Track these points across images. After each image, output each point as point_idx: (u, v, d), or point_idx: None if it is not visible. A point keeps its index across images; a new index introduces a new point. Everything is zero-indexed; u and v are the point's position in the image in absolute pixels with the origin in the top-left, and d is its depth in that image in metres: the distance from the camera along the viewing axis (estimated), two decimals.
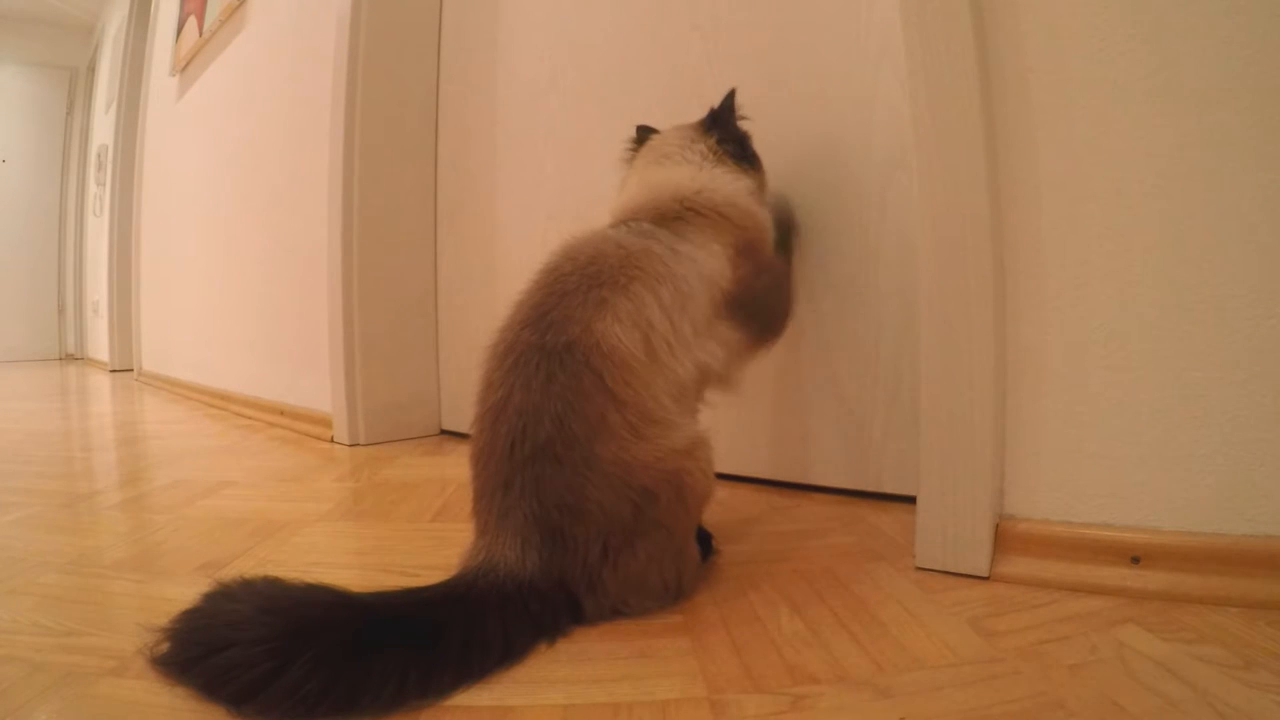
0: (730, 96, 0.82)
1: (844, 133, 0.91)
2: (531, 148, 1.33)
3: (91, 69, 4.53)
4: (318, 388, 1.58)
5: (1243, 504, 0.59)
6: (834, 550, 0.75)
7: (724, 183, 0.74)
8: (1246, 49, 0.58)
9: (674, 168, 0.76)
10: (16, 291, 4.55)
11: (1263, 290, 0.58)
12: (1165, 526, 0.61)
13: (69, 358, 4.69)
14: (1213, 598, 0.57)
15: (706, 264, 0.67)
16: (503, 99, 1.39)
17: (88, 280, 4.34)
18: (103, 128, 3.90)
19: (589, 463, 0.55)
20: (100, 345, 3.84)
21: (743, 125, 0.83)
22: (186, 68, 2.49)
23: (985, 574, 0.65)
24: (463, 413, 1.46)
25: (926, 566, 0.68)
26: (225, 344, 2.18)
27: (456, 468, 1.20)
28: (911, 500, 0.72)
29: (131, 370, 3.26)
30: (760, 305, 0.71)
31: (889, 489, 0.91)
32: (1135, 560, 0.61)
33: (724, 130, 0.80)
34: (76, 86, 4.66)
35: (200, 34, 2.29)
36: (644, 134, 0.86)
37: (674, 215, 0.70)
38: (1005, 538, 0.66)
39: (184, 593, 0.58)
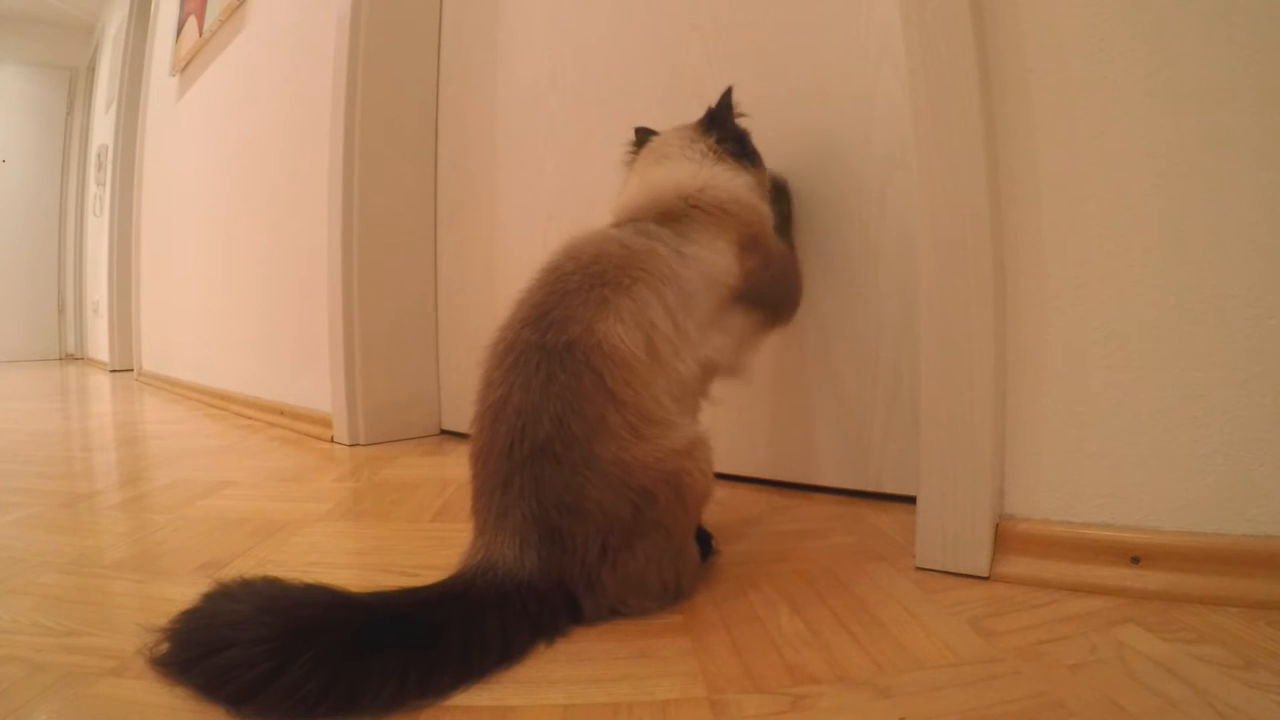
0: (727, 95, 0.82)
1: (844, 132, 0.91)
2: (531, 148, 1.33)
3: (91, 69, 4.53)
4: (318, 388, 1.58)
5: (1243, 504, 0.59)
6: (834, 550, 0.75)
7: (725, 179, 0.74)
8: (1246, 49, 0.58)
9: (675, 166, 0.76)
10: (16, 291, 4.55)
11: (1263, 290, 0.58)
12: (1165, 526, 0.61)
13: (69, 358, 4.69)
14: (1213, 598, 0.57)
15: (713, 263, 0.67)
16: (503, 99, 1.39)
17: (88, 280, 4.34)
18: (103, 128, 3.90)
19: (588, 462, 0.55)
20: (100, 345, 3.84)
21: (741, 123, 0.83)
22: (186, 68, 2.49)
23: (985, 574, 0.65)
24: (463, 412, 1.46)
25: (926, 566, 0.68)
26: (225, 344, 2.18)
27: (456, 468, 1.20)
28: (911, 500, 0.72)
29: (131, 370, 3.26)
30: (772, 293, 0.73)
31: (889, 489, 0.91)
32: (1135, 560, 0.61)
33: (722, 129, 0.80)
34: (76, 86, 4.66)
35: (200, 34, 2.29)
36: (643, 136, 0.86)
37: (678, 213, 0.70)
38: (1005, 538, 0.66)
39: (184, 593, 0.58)
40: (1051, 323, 0.66)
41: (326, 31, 1.48)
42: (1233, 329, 0.59)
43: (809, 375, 0.97)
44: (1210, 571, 0.58)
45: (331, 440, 1.46)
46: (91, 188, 4.12)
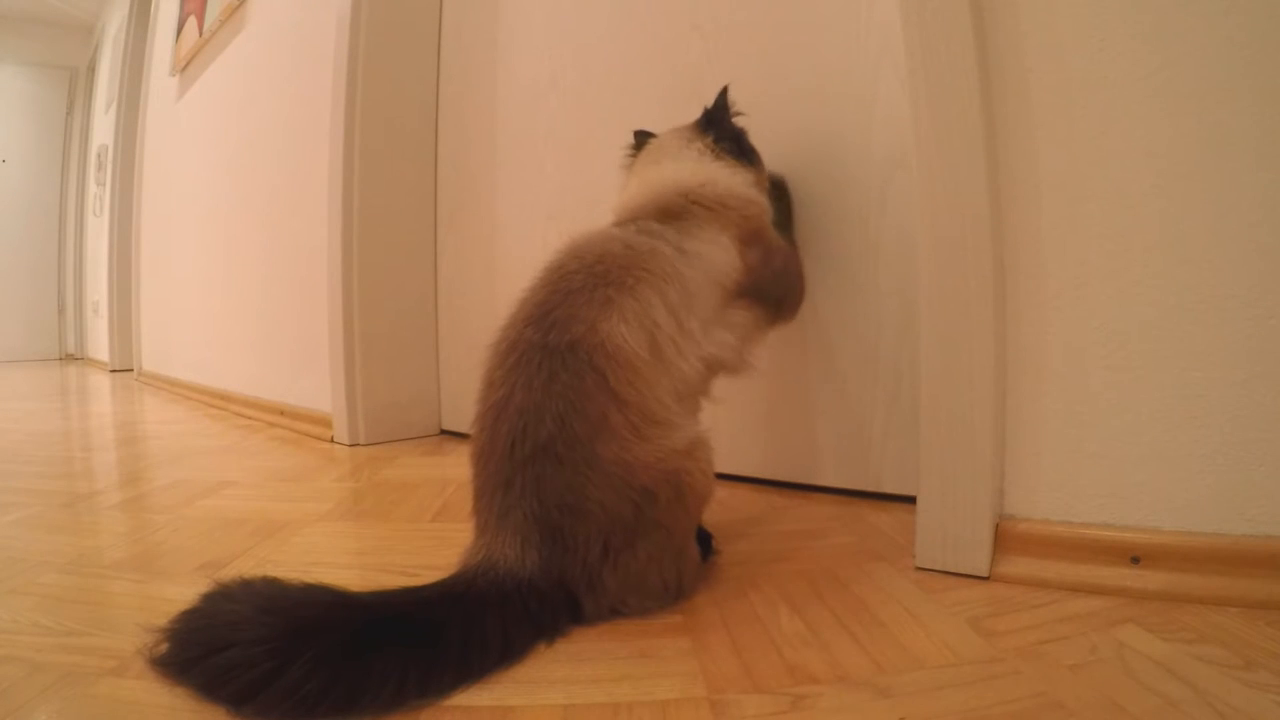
0: (723, 94, 0.82)
1: (844, 132, 0.91)
2: (531, 148, 1.33)
3: (91, 69, 4.53)
4: (318, 388, 1.58)
5: (1243, 504, 0.59)
6: (834, 550, 0.75)
7: (724, 176, 0.74)
8: (1246, 49, 0.58)
9: (674, 165, 0.77)
10: (16, 291, 4.55)
11: (1263, 290, 0.58)
12: (1165, 526, 0.61)
13: (69, 358, 4.69)
14: (1213, 598, 0.57)
15: (716, 259, 0.67)
16: (503, 99, 1.39)
17: (88, 280, 4.34)
18: (103, 128, 3.90)
19: (590, 462, 0.55)
20: (100, 345, 3.84)
21: (740, 122, 0.83)
22: (186, 68, 2.49)
23: (985, 574, 0.65)
24: (463, 412, 1.46)
25: (926, 566, 0.68)
26: (225, 344, 2.18)
27: (457, 468, 1.20)
28: (911, 500, 0.72)
29: (131, 370, 3.26)
30: (773, 288, 0.73)
31: (889, 489, 0.91)
32: (1135, 560, 0.61)
33: (719, 129, 0.80)
34: (76, 86, 4.66)
35: (200, 34, 2.29)
36: (642, 139, 0.87)
37: (678, 210, 0.71)
38: (1005, 538, 0.66)
39: (184, 593, 0.58)
40: (1051, 323, 0.66)
41: (326, 31, 1.48)
42: (1233, 329, 0.59)
43: (809, 375, 0.97)
44: (1210, 571, 0.58)
45: (331, 440, 1.46)
46: (91, 188, 4.12)
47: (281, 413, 1.74)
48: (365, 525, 0.89)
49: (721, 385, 0.72)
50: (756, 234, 0.72)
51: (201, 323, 2.37)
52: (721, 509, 0.89)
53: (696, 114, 0.83)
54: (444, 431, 1.53)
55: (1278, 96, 0.57)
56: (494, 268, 1.42)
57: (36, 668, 0.52)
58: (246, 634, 0.45)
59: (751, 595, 0.63)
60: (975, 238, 0.65)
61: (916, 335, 0.79)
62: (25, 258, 4.58)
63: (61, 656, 0.54)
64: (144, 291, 3.05)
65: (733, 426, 1.02)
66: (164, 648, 0.48)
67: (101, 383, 3.07)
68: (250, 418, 1.86)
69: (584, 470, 0.55)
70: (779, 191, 0.88)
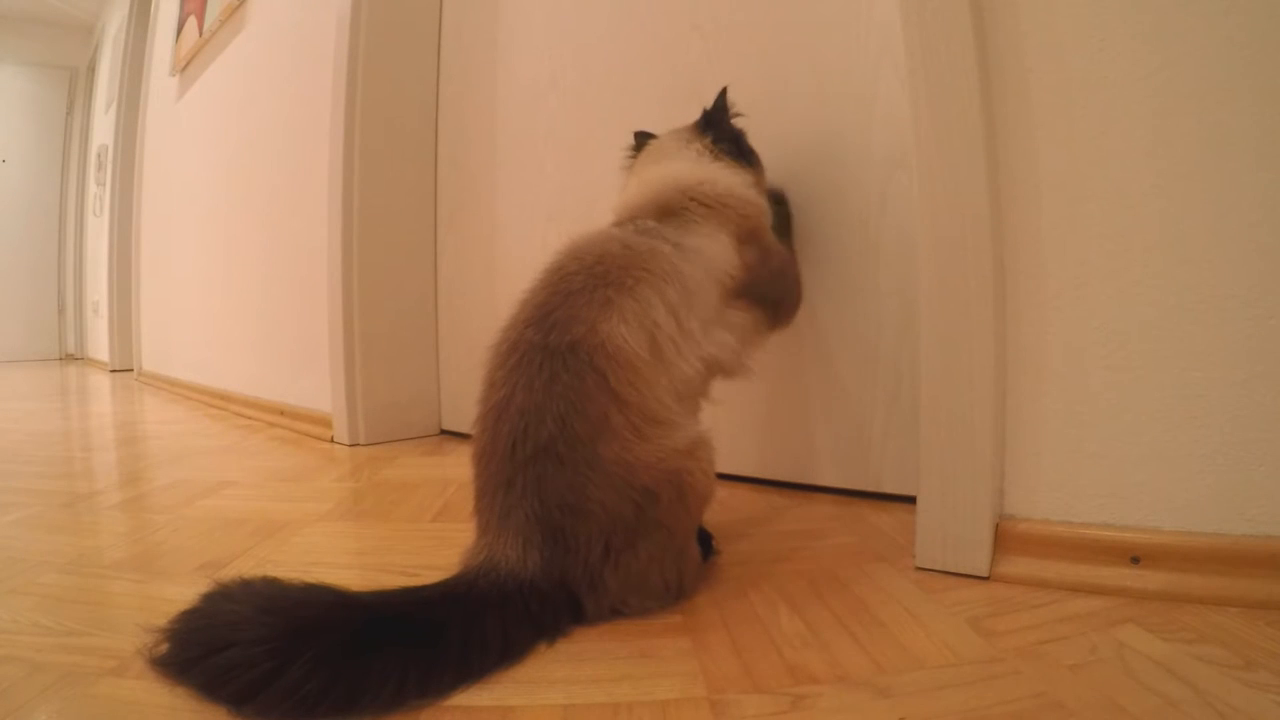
0: (722, 95, 0.82)
1: (844, 132, 0.91)
2: (531, 148, 1.33)
3: (91, 69, 4.53)
4: (318, 388, 1.58)
5: (1243, 504, 0.59)
6: (834, 550, 0.75)
7: (723, 176, 0.75)
8: (1246, 49, 0.58)
9: (673, 164, 0.77)
10: (16, 291, 4.55)
11: (1263, 290, 0.58)
12: (1165, 526, 0.61)
13: (69, 358, 4.69)
14: (1213, 598, 0.57)
15: (714, 256, 0.67)
16: (503, 99, 1.39)
17: (88, 280, 4.34)
18: (103, 128, 3.90)
19: (591, 463, 0.55)
20: (100, 345, 3.84)
21: (738, 122, 0.83)
22: (186, 68, 2.49)
23: (985, 574, 0.65)
24: (463, 412, 1.46)
25: (926, 566, 0.68)
26: (225, 344, 2.18)
27: (457, 468, 1.20)
28: (911, 500, 0.72)
29: (131, 370, 3.26)
30: (770, 290, 0.73)
31: (889, 489, 0.91)
32: (1135, 560, 0.61)
33: (718, 130, 0.81)
34: (76, 86, 4.66)
35: (200, 34, 2.29)
36: (642, 139, 0.87)
37: (677, 208, 0.71)
38: (1005, 538, 0.66)
39: (184, 593, 0.58)
40: (1051, 323, 0.66)
41: (326, 31, 1.48)
42: (1233, 329, 0.59)
43: (809, 375, 0.97)
44: (1210, 571, 0.58)
45: (331, 440, 1.46)
46: (91, 188, 4.12)
47: (281, 413, 1.74)
48: (365, 525, 0.89)
49: (721, 386, 0.72)
50: (754, 233, 0.72)
51: (201, 323, 2.37)
52: (722, 509, 0.89)
53: (696, 114, 0.83)
54: (444, 431, 1.53)
55: (1278, 96, 0.57)
56: (494, 268, 1.42)
57: (36, 668, 0.52)
58: (246, 634, 0.45)
59: (751, 595, 0.63)
60: (975, 238, 0.65)
61: (916, 335, 0.79)
62: (25, 258, 4.58)
63: (61, 656, 0.54)
64: (144, 291, 3.05)
65: (733, 427, 1.02)
66: (164, 648, 0.48)
67: (101, 383, 3.07)
68: (250, 418, 1.86)
69: (585, 470, 0.55)
70: (778, 204, 0.88)
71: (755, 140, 0.84)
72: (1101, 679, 0.47)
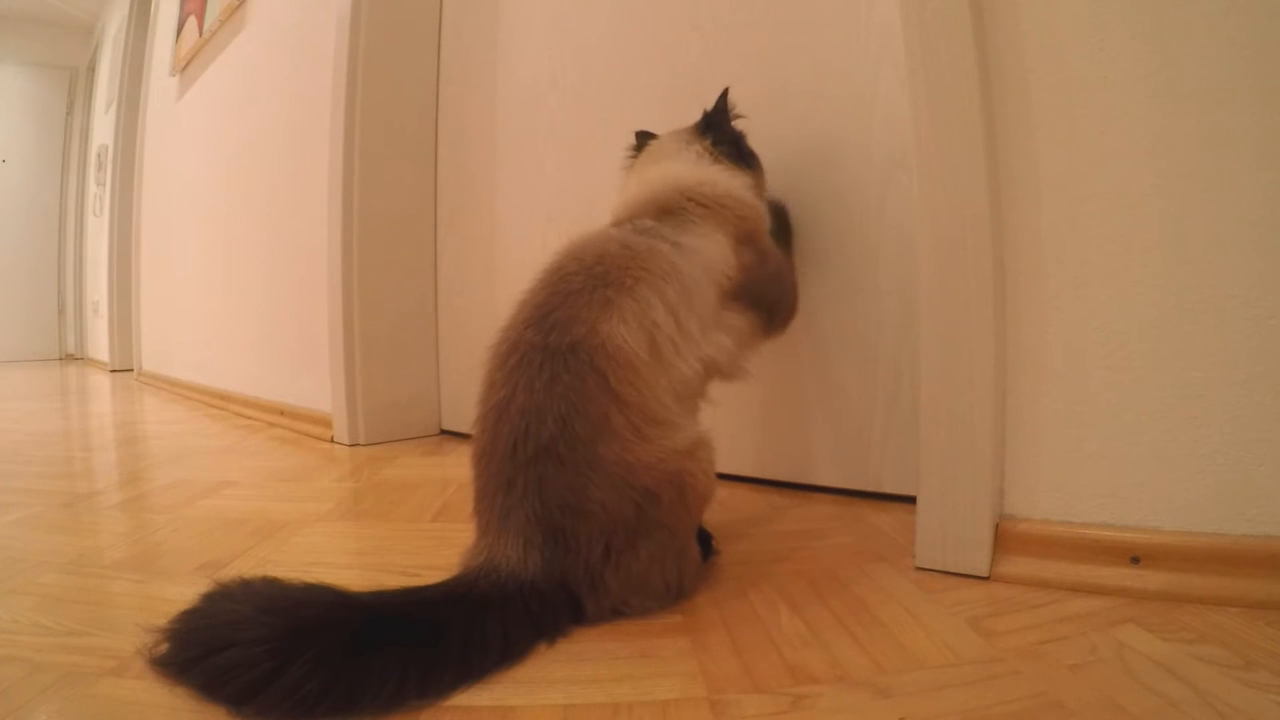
0: (723, 97, 0.82)
1: (844, 132, 0.91)
2: (531, 148, 1.33)
3: (91, 69, 4.53)
4: (318, 388, 1.58)
5: (1243, 504, 0.59)
6: (834, 550, 0.75)
7: (723, 178, 0.75)
8: (1246, 49, 0.58)
9: (672, 165, 0.78)
10: (16, 291, 4.55)
11: (1263, 290, 0.58)
12: (1165, 526, 0.61)
13: (69, 358, 4.69)
14: (1213, 598, 0.57)
15: (712, 255, 0.68)
16: (503, 99, 1.39)
17: (88, 280, 4.34)
18: (103, 128, 3.90)
19: (592, 463, 0.55)
20: (100, 345, 3.84)
21: (739, 124, 0.83)
22: (186, 68, 2.49)
23: (985, 574, 0.65)
24: (463, 413, 1.46)
25: (926, 566, 0.68)
26: (225, 344, 2.18)
27: (457, 468, 1.20)
28: (911, 500, 0.72)
29: (131, 370, 3.26)
30: (767, 293, 0.73)
31: (889, 489, 0.91)
32: (1135, 560, 0.61)
33: (718, 132, 0.81)
34: (76, 86, 4.66)
35: (200, 34, 2.29)
36: (643, 140, 0.87)
37: (675, 207, 0.71)
38: (1005, 538, 0.66)
39: (184, 593, 0.58)
40: (1051, 323, 0.66)
41: (326, 31, 1.48)
42: (1233, 329, 0.59)
43: (809, 375, 0.97)
44: (1210, 571, 0.58)
45: (331, 440, 1.46)
46: (91, 188, 4.12)
47: (281, 413, 1.74)
48: (365, 525, 0.89)
49: (720, 387, 0.72)
50: (751, 236, 0.72)
51: (201, 323, 2.37)
52: (721, 509, 0.89)
53: (696, 114, 0.84)
54: (444, 431, 1.53)
55: (1278, 96, 0.57)
56: (494, 268, 1.42)
57: (36, 668, 0.52)
58: (246, 634, 0.45)
59: (751, 595, 0.63)
60: (975, 238, 0.65)
61: (916, 335, 0.79)
62: (25, 258, 4.58)
63: (61, 656, 0.54)
64: (144, 291, 3.05)
65: (732, 427, 1.02)
66: (164, 648, 0.48)
67: (101, 383, 3.07)
68: (250, 418, 1.86)
69: (586, 471, 0.55)
70: (779, 217, 0.88)
71: (755, 140, 0.84)
72: (1101, 679, 0.47)
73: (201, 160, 2.37)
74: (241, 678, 0.43)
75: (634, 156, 0.86)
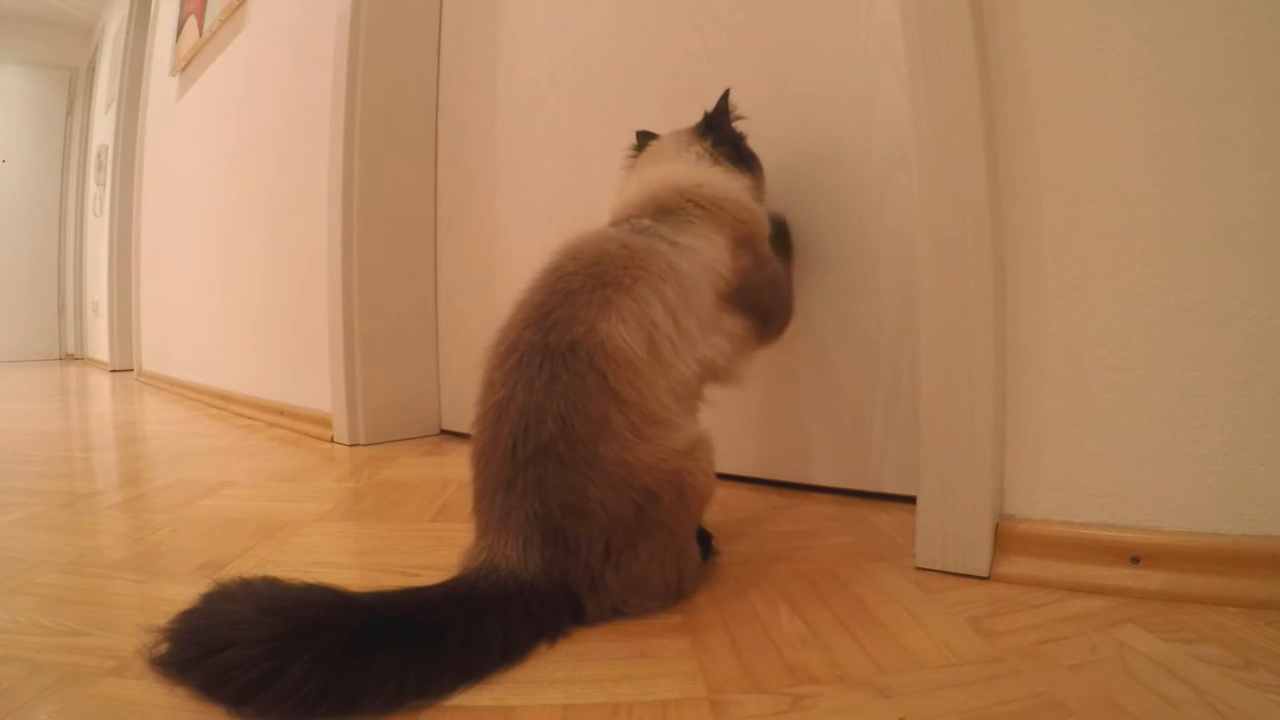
0: (724, 98, 0.82)
1: (844, 132, 0.91)
2: (531, 148, 1.33)
3: (91, 69, 4.53)
4: (318, 388, 1.58)
5: (1243, 504, 0.59)
6: (834, 550, 0.75)
7: (722, 180, 0.75)
8: (1246, 49, 0.58)
9: (672, 165, 0.78)
10: (16, 291, 4.55)
11: (1263, 290, 0.58)
12: (1165, 526, 0.61)
13: (69, 358, 4.69)
14: (1213, 598, 0.57)
15: (709, 255, 0.68)
16: (503, 99, 1.39)
17: (88, 280, 4.35)
18: (103, 128, 3.90)
19: (591, 463, 0.55)
20: (100, 345, 3.84)
21: (740, 125, 0.83)
22: (186, 68, 2.49)
23: (985, 574, 0.65)
24: (463, 413, 1.46)
25: (926, 566, 0.68)
26: (225, 344, 2.18)
27: (457, 468, 1.20)
28: (911, 500, 0.72)
29: (131, 370, 3.26)
30: (762, 298, 0.72)
31: (889, 489, 0.91)
32: (1135, 560, 0.61)
33: (718, 133, 0.81)
34: (76, 86, 4.66)
35: (200, 34, 2.29)
36: (644, 140, 0.87)
37: (674, 208, 0.71)
38: (1005, 538, 0.66)
39: (184, 593, 0.58)
40: (1051, 323, 0.66)
41: (326, 31, 1.48)
42: (1233, 329, 0.59)
43: (808, 375, 0.97)
44: (1210, 571, 0.58)
45: (331, 440, 1.46)
46: (91, 188, 4.12)
47: (281, 413, 1.74)
48: (365, 525, 0.89)
49: (718, 389, 0.72)
50: (749, 239, 0.72)
51: (201, 323, 2.37)
52: (721, 509, 0.89)
53: (696, 115, 0.84)
54: (444, 431, 1.53)
55: (1278, 96, 0.57)
56: (494, 268, 1.42)
57: (36, 668, 0.52)
58: (246, 634, 0.45)
59: (751, 595, 0.63)
60: (975, 238, 0.65)
61: (916, 335, 0.79)
62: (25, 258, 4.58)
63: (61, 656, 0.54)
64: (144, 291, 3.05)
65: (732, 426, 1.02)
66: (164, 648, 0.48)
67: (101, 383, 3.07)
68: (250, 418, 1.86)
69: (586, 471, 0.55)
70: (779, 230, 0.88)
71: (754, 141, 0.84)
72: (1101, 679, 0.47)
73: (201, 160, 2.37)
74: (241, 678, 0.43)
75: (634, 156, 0.86)
